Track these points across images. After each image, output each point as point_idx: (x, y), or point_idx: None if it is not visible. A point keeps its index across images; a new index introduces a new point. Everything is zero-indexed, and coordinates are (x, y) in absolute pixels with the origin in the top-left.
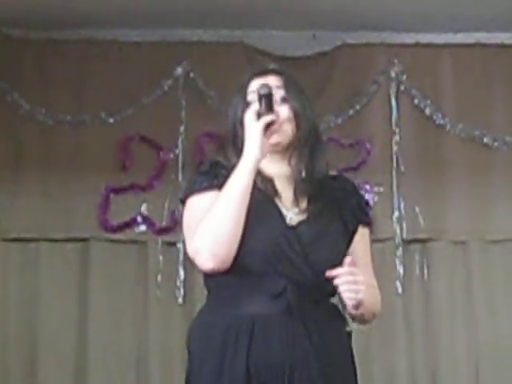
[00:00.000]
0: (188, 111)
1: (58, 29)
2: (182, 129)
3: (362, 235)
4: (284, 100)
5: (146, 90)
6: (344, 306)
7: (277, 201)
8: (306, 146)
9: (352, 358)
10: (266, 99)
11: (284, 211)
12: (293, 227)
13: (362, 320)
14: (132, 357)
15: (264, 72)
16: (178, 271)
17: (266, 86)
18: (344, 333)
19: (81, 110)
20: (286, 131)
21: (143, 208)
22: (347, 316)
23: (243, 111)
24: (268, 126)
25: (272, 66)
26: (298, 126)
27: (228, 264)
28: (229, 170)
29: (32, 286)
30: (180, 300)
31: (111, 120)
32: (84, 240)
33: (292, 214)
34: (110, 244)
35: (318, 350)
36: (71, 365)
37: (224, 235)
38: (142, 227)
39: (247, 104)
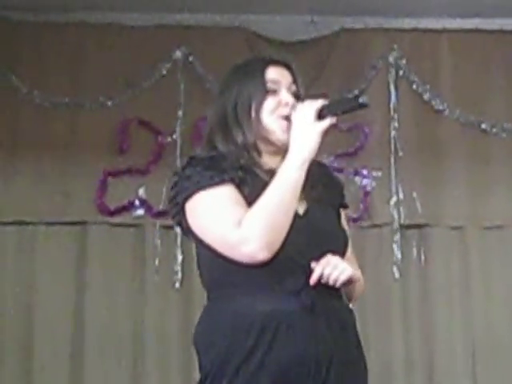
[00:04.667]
0: (186, 95)
1: (56, 12)
2: (180, 113)
3: (345, 217)
4: (295, 96)
5: (144, 74)
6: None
7: None
8: None
9: (363, 351)
10: (352, 107)
11: None
12: (302, 217)
13: (351, 299)
14: (128, 340)
15: (277, 62)
16: (175, 255)
17: (365, 96)
18: (354, 321)
19: (79, 93)
20: None
21: (141, 192)
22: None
23: (263, 97)
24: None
25: (283, 56)
26: None
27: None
28: (228, 160)
29: (29, 270)
30: (177, 284)
31: (109, 103)
32: (81, 223)
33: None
34: (108, 227)
35: (339, 344)
36: (67, 348)
37: (279, 227)
38: (140, 211)
39: (267, 91)
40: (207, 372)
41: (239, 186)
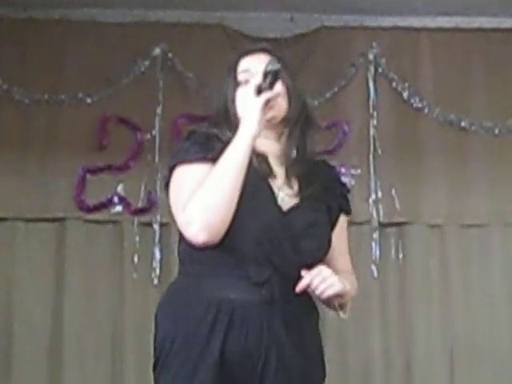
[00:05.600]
0: (166, 92)
1: (36, 8)
2: (159, 110)
3: (343, 223)
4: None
5: (123, 71)
6: (332, 305)
7: (270, 180)
8: (297, 122)
9: (323, 351)
10: (273, 76)
11: (276, 191)
12: (285, 212)
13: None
14: (107, 337)
15: (253, 50)
16: (153, 252)
17: (275, 61)
18: (317, 324)
19: (58, 89)
20: (281, 106)
21: (119, 188)
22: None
23: (234, 90)
24: (266, 102)
25: (261, 44)
26: (289, 102)
27: (219, 237)
28: (224, 144)
29: (8, 266)
30: (155, 281)
31: (89, 100)
32: (60, 220)
33: (283, 194)
34: (86, 224)
35: (293, 342)
36: (46, 344)
37: (218, 207)
38: (118, 208)
39: (237, 83)
40: (157, 354)
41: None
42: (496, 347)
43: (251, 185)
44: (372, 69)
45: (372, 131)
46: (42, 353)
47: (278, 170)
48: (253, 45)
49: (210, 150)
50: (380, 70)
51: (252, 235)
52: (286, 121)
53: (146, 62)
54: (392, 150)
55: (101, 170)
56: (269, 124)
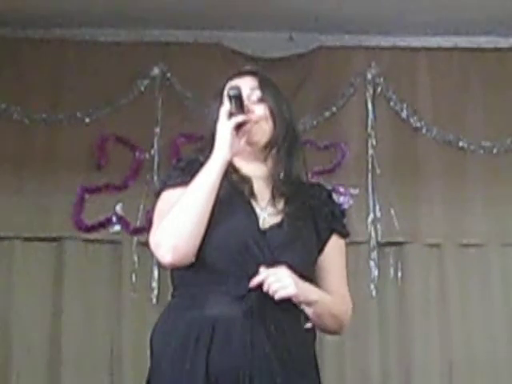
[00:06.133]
0: (164, 112)
1: (35, 28)
2: (157, 129)
3: (335, 244)
4: (261, 100)
5: (122, 90)
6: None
7: (252, 202)
8: (282, 145)
9: (315, 361)
10: (236, 100)
11: (258, 212)
12: (265, 230)
13: (327, 329)
14: (105, 357)
15: (239, 74)
16: (152, 271)
17: (236, 87)
18: (307, 335)
19: (57, 109)
20: (264, 130)
21: (118, 208)
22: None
23: (219, 113)
24: (240, 126)
25: (247, 67)
26: (274, 125)
27: (188, 260)
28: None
29: (5, 285)
30: (154, 300)
31: (87, 120)
32: (58, 239)
33: (266, 215)
34: (85, 244)
35: (279, 355)
36: (44, 364)
37: (185, 230)
38: (117, 227)
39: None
40: (150, 368)
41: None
42: (494, 365)
43: (232, 206)
44: (370, 88)
45: (370, 151)
46: (41, 371)
47: (264, 191)
48: (245, 66)
49: (190, 173)
50: (378, 90)
51: (229, 253)
52: (271, 143)
53: (145, 82)
54: (390, 170)
55: (99, 189)
56: (253, 148)
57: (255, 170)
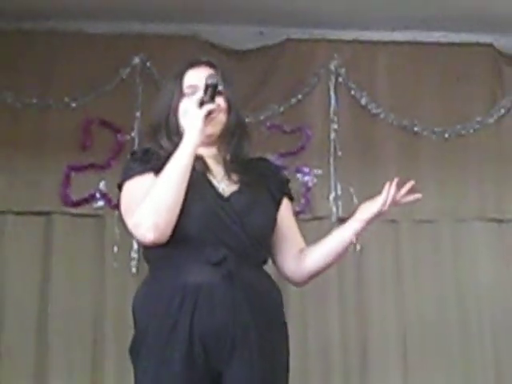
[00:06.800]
0: (144, 98)
1: (26, 21)
2: (138, 113)
3: (287, 206)
4: (219, 92)
5: (105, 78)
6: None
7: (208, 175)
8: (234, 135)
9: (285, 319)
10: (212, 89)
11: (216, 183)
12: (227, 198)
13: (310, 277)
14: (89, 320)
15: (198, 63)
16: (132, 243)
17: (214, 76)
18: (278, 295)
19: (46, 94)
20: (221, 121)
21: (101, 185)
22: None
23: (178, 100)
24: (208, 114)
25: (206, 58)
26: (229, 117)
27: (166, 236)
28: (160, 154)
29: (0, 257)
30: (134, 270)
31: (73, 104)
32: (47, 213)
33: (224, 185)
34: (71, 218)
35: (257, 315)
36: (33, 328)
37: (164, 209)
38: (100, 202)
39: (183, 94)
40: (133, 339)
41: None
42: (443, 328)
43: (193, 182)
44: (333, 78)
45: (332, 135)
46: (30, 334)
47: (216, 168)
48: (201, 56)
49: (148, 162)
50: (340, 80)
51: (201, 222)
52: (224, 132)
53: (127, 70)
54: (351, 152)
55: (84, 167)
56: (208, 140)
57: (207, 152)
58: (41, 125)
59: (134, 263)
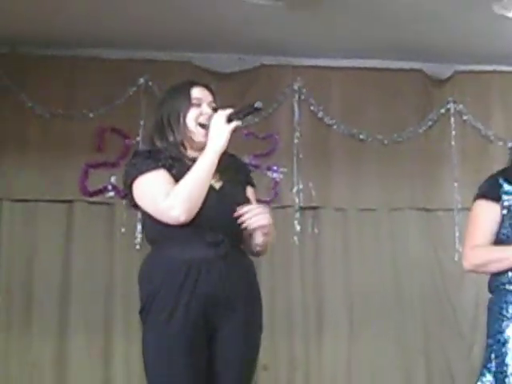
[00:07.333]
0: (147, 111)
1: (55, 48)
2: (142, 122)
3: (252, 193)
4: (214, 110)
5: (117, 94)
6: (254, 243)
7: None
8: None
9: (259, 289)
10: (253, 111)
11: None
12: (218, 191)
13: (263, 251)
14: (102, 287)
15: (199, 83)
16: (136, 225)
17: (261, 102)
18: (254, 270)
19: (69, 107)
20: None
21: (112, 179)
22: (256, 248)
23: (188, 108)
24: (234, 129)
25: (206, 82)
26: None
27: (191, 218)
28: (164, 155)
29: (30, 236)
30: (138, 246)
31: (91, 115)
32: (69, 201)
33: (213, 181)
34: (88, 205)
35: (243, 285)
36: (57, 293)
37: (195, 196)
38: (111, 193)
39: (191, 104)
40: (144, 304)
41: (169, 170)
42: (383, 299)
43: None
44: (296, 96)
45: (295, 141)
46: (55, 298)
47: None
48: (199, 79)
49: (158, 160)
50: (302, 97)
51: (202, 211)
52: None
53: (133, 89)
54: (310, 155)
55: (99, 165)
56: (203, 146)
57: (197, 155)
58: (65, 131)
59: (137, 241)
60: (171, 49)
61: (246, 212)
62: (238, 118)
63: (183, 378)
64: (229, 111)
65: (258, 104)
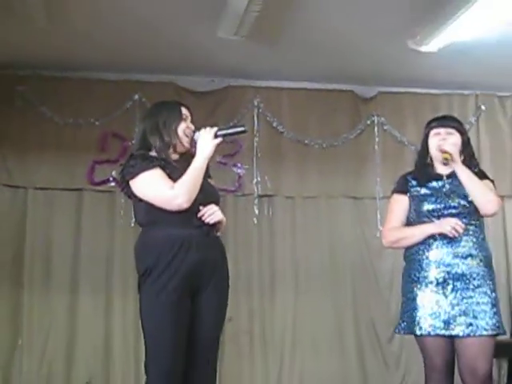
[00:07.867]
0: (140, 119)
1: (65, 71)
2: (136, 129)
3: (213, 182)
4: (197, 128)
5: (116, 107)
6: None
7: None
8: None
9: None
10: (238, 133)
11: None
12: (200, 187)
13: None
14: (104, 257)
15: (185, 105)
16: (131, 209)
17: (245, 126)
18: (223, 245)
19: (79, 116)
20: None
21: (113, 173)
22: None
23: (179, 123)
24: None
25: (187, 104)
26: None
27: (189, 206)
28: (156, 158)
29: (47, 219)
30: (132, 225)
31: (97, 123)
32: (79, 190)
33: None
34: (94, 193)
35: (220, 257)
36: (70, 263)
37: (193, 189)
38: (112, 184)
39: (182, 119)
40: (145, 270)
41: (163, 169)
42: (322, 269)
43: (181, 175)
44: (256, 110)
45: (255, 144)
46: (67, 266)
47: (187, 167)
48: (183, 102)
49: (153, 161)
50: (260, 111)
51: (194, 200)
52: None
53: (130, 103)
54: (266, 155)
55: (103, 162)
56: (185, 150)
57: (179, 157)
58: (75, 135)
59: (132, 221)
60: (159, 72)
61: (206, 211)
62: (223, 136)
63: (171, 327)
64: (215, 129)
65: (245, 128)
